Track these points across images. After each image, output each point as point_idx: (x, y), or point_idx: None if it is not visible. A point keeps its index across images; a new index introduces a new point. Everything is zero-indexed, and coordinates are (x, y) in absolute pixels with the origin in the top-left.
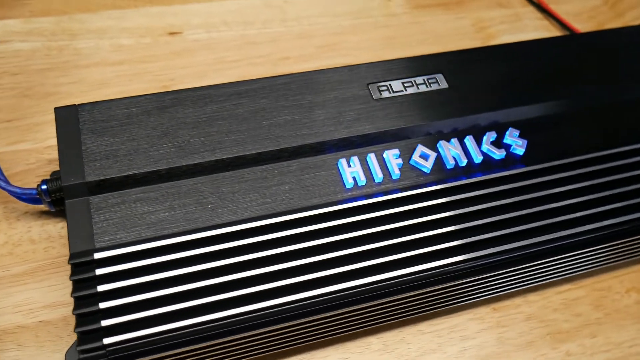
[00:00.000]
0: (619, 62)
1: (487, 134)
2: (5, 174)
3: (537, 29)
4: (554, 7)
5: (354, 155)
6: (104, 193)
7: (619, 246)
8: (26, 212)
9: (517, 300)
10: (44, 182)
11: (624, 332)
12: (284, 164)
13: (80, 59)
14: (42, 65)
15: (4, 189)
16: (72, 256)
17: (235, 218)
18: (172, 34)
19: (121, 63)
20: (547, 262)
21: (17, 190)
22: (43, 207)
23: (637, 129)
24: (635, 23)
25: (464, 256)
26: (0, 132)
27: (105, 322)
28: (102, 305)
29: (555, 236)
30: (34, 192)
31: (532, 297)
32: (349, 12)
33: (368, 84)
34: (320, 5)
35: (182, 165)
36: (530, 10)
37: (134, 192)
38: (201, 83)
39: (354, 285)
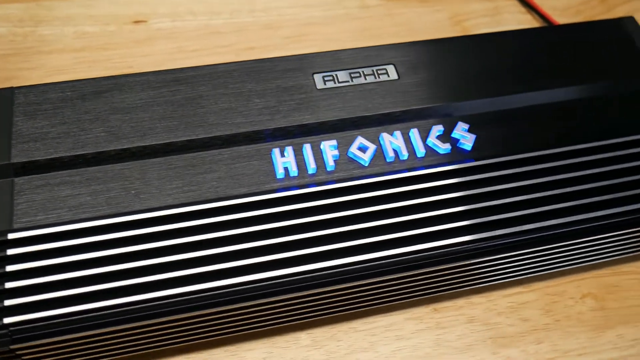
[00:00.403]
0: (586, 57)
1: (434, 127)
2: None
3: (518, 23)
4: (537, 1)
5: (289, 145)
6: (29, 175)
7: (568, 248)
8: None
9: (460, 301)
10: None
11: (572, 340)
12: (215, 152)
13: (43, 45)
14: (5, 50)
15: None
16: None
17: (157, 204)
18: (137, 22)
19: (82, 50)
20: (487, 262)
21: None
22: None
23: (591, 127)
24: None
25: (393, 251)
26: None
27: (8, 302)
28: (8, 285)
29: (498, 234)
30: None
31: (476, 299)
32: (322, 3)
33: (313, 74)
34: None
35: (111, 150)
36: (513, 3)
37: (59, 175)
38: None
39: (275, 275)
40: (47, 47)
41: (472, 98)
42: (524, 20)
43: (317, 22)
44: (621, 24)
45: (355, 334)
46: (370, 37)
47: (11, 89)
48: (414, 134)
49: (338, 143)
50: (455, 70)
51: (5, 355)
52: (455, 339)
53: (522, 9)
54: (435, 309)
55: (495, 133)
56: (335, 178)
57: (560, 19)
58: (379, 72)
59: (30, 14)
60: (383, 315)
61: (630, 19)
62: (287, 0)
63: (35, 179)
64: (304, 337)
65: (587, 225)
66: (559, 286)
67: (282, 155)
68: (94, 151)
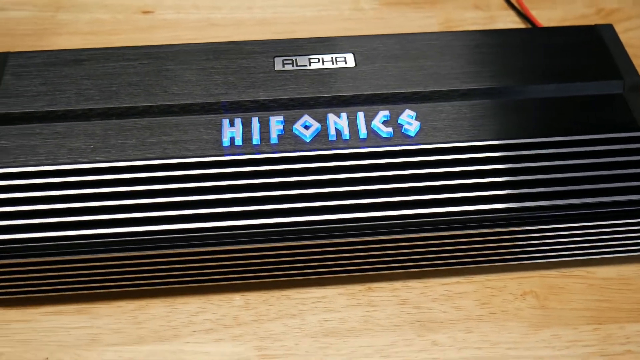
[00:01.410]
0: (557, 58)
1: (380, 112)
2: None
3: None
4: (536, 13)
5: (238, 118)
6: (7, 125)
7: (508, 237)
8: None
9: (397, 284)
10: None
11: (504, 334)
12: (172, 118)
13: (59, 28)
14: (25, 31)
15: None
16: None
17: (110, 158)
18: (145, 12)
19: (91, 34)
20: (420, 240)
21: None
22: None
23: (542, 123)
24: (625, 33)
25: (325, 217)
26: None
27: None
28: None
29: (433, 211)
30: None
31: (413, 283)
32: (317, 4)
33: (275, 57)
34: None
35: (78, 109)
36: (509, 13)
37: (31, 128)
38: None
39: (211, 226)
40: (61, 30)
41: (425, 88)
42: None
43: (308, 21)
44: (599, 30)
45: (287, 300)
46: None
47: (7, 53)
48: (360, 117)
49: (285, 119)
50: (414, 63)
51: None
52: (383, 318)
53: (517, 19)
54: (370, 288)
55: (443, 123)
56: (275, 149)
57: None
58: (337, 59)
59: (53, 1)
60: (317, 287)
61: (609, 26)
62: (285, 0)
63: (11, 129)
64: (237, 298)
65: (532, 214)
66: (501, 281)
67: (231, 125)
68: (64, 109)
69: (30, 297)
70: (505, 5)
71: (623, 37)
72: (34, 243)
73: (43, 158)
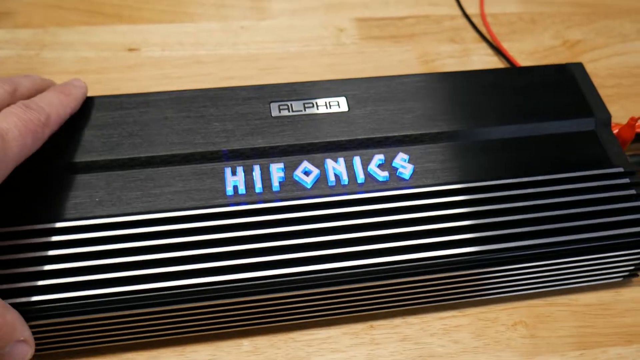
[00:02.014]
0: (531, 97)
1: (375, 156)
2: None
3: (484, 64)
4: (507, 45)
5: (240, 166)
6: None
7: (505, 274)
8: None
9: (397, 320)
10: None
11: None
12: (175, 168)
13: (44, 67)
14: (10, 70)
15: None
16: None
17: (115, 211)
18: (130, 50)
19: (78, 73)
20: (420, 282)
21: None
22: None
23: (524, 164)
24: (590, 64)
25: (329, 265)
26: None
27: None
28: None
29: (430, 255)
30: None
31: (412, 319)
32: (300, 39)
33: (270, 102)
34: (274, 32)
35: (80, 161)
36: (482, 46)
37: (32, 182)
38: None
39: (219, 280)
40: (47, 69)
41: (415, 131)
42: (490, 62)
43: (292, 57)
44: (570, 69)
45: (293, 343)
46: (338, 72)
47: None
48: (357, 161)
49: (285, 166)
50: (403, 105)
51: None
52: (387, 355)
53: (490, 52)
54: (371, 326)
55: (434, 165)
56: (279, 197)
57: (525, 62)
58: (330, 103)
59: (36, 38)
60: (322, 328)
61: (578, 65)
62: (268, 36)
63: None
64: (246, 344)
65: (521, 253)
66: (492, 313)
67: (234, 174)
68: (66, 161)
69: (39, 354)
70: (479, 38)
71: (588, 68)
72: (42, 305)
73: (46, 214)
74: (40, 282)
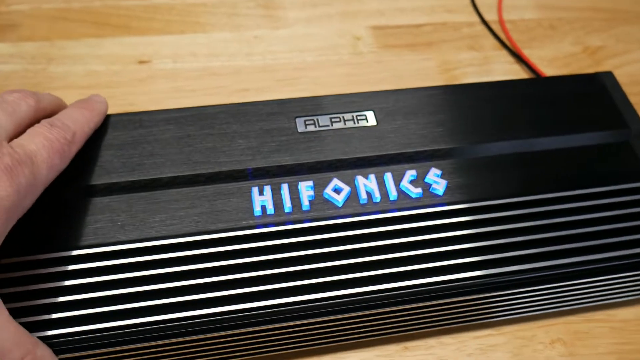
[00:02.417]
0: (563, 109)
1: (407, 172)
2: None
3: (505, 73)
4: (527, 52)
5: (267, 184)
6: None
7: (539, 293)
8: None
9: (431, 341)
10: None
11: None
12: (199, 188)
13: (52, 81)
14: (16, 85)
15: None
16: None
17: (139, 237)
18: (141, 62)
19: (88, 87)
20: (458, 303)
21: None
22: None
23: (560, 176)
24: (612, 71)
25: (363, 289)
26: None
27: None
28: None
29: (467, 276)
30: None
31: (446, 339)
32: (316, 48)
33: (296, 117)
34: (289, 41)
35: (101, 184)
36: (502, 54)
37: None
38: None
39: (249, 307)
40: (56, 84)
41: (446, 145)
42: (512, 70)
43: (309, 67)
44: (600, 78)
45: None
46: (358, 83)
47: None
48: (388, 177)
49: (314, 184)
50: (432, 118)
51: None
52: None
53: (511, 59)
54: (406, 347)
55: (468, 180)
56: (309, 217)
57: (547, 70)
58: (358, 117)
59: (42, 52)
60: (354, 351)
61: (609, 74)
62: (283, 45)
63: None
64: None
65: (558, 272)
66: (529, 330)
67: (261, 194)
68: (85, 184)
69: None
70: (498, 45)
71: None
72: (69, 337)
73: (67, 241)
74: (65, 314)
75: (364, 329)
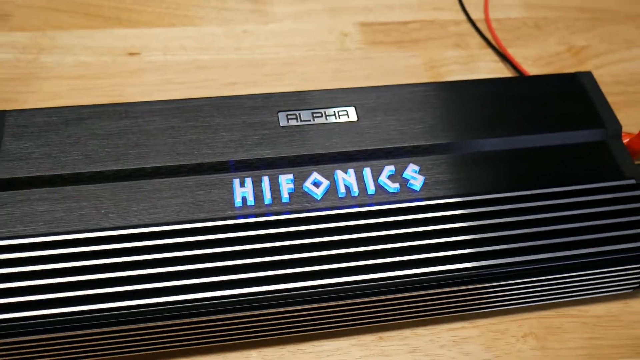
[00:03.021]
0: (542, 108)
1: (386, 167)
2: None
3: (490, 71)
4: (512, 51)
5: (249, 177)
6: (11, 190)
7: (514, 287)
8: None
9: (406, 332)
10: None
11: None
12: (181, 179)
13: (43, 71)
14: (8, 75)
15: None
16: None
17: (123, 224)
18: (131, 54)
19: (78, 78)
20: (431, 295)
21: None
22: None
23: (534, 175)
24: (595, 70)
25: (339, 279)
26: None
27: None
28: None
29: (442, 269)
30: None
31: (421, 330)
32: (304, 44)
33: (278, 112)
34: (278, 36)
35: (86, 172)
36: (487, 52)
37: (38, 192)
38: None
39: (226, 294)
40: (46, 74)
41: (426, 142)
42: (496, 69)
43: (297, 62)
44: (579, 78)
45: (302, 355)
46: (344, 79)
47: (3, 112)
48: (367, 172)
49: (294, 177)
50: (413, 115)
51: None
52: None
53: (496, 58)
54: (381, 337)
55: (446, 176)
56: (288, 209)
57: (531, 69)
58: (339, 113)
59: (34, 42)
60: (330, 340)
61: (588, 74)
62: (272, 40)
63: (17, 194)
64: (254, 355)
65: (532, 267)
66: (502, 324)
67: (242, 185)
68: (71, 172)
69: None
70: (484, 44)
71: (595, 74)
72: (48, 319)
73: (53, 226)
74: (50, 296)
75: (340, 319)
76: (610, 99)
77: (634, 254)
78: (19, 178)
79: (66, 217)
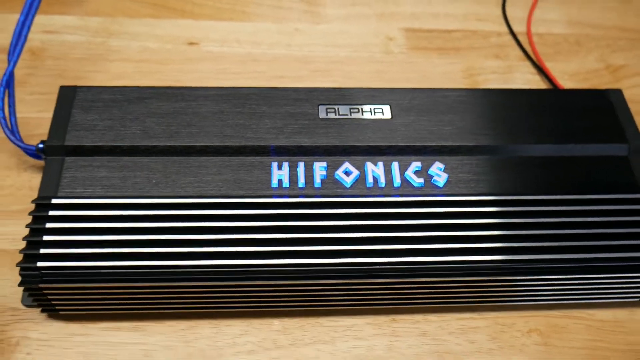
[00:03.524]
0: (570, 120)
1: (413, 163)
2: (29, 134)
3: (526, 82)
4: (550, 65)
5: (286, 161)
6: (76, 156)
7: (525, 283)
8: (32, 165)
9: (418, 317)
10: (41, 142)
11: None
12: (226, 158)
13: (111, 54)
14: (80, 55)
15: (15, 144)
16: (37, 199)
17: (170, 193)
18: (191, 44)
19: (142, 62)
20: (443, 283)
21: (23, 145)
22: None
23: (554, 182)
24: (630, 89)
25: (359, 259)
26: (35, 101)
27: (43, 251)
28: (46, 238)
29: (456, 259)
30: (34, 148)
31: (431, 317)
32: (351, 45)
33: (319, 105)
34: (327, 36)
35: (142, 145)
36: (525, 64)
37: (99, 160)
38: None
39: (258, 263)
40: (114, 56)
41: (453, 142)
42: (532, 81)
43: (342, 61)
44: (609, 95)
45: (320, 327)
46: (385, 79)
47: (75, 87)
48: (394, 166)
49: (328, 165)
50: (443, 117)
51: (37, 296)
52: (406, 347)
53: (533, 70)
54: (394, 319)
55: (468, 176)
56: (319, 193)
57: (567, 83)
58: (375, 110)
59: (105, 27)
60: (347, 317)
61: (618, 91)
62: (320, 39)
63: (81, 160)
64: (276, 323)
65: (538, 266)
66: (510, 319)
67: (279, 169)
68: (129, 144)
69: (91, 313)
70: (523, 56)
71: (629, 93)
72: (100, 270)
73: (110, 190)
74: (97, 250)
75: (357, 298)
76: None
77: (637, 263)
78: (84, 146)
79: (121, 183)
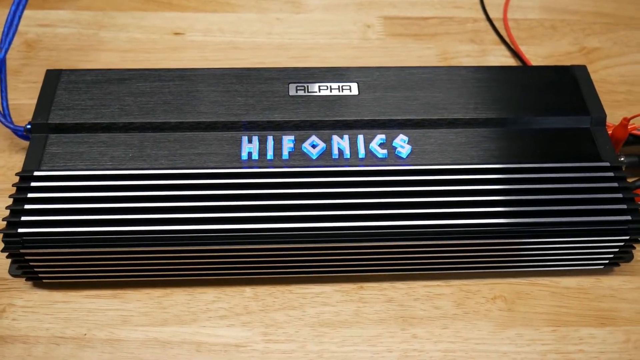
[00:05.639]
0: (533, 94)
1: (377, 136)
2: (22, 119)
3: (499, 64)
4: (524, 49)
5: (256, 135)
6: (59, 133)
7: (483, 249)
8: (23, 148)
9: (385, 284)
10: (29, 123)
11: (475, 331)
12: (199, 133)
13: (100, 45)
14: (72, 46)
15: (5, 125)
16: (21, 172)
17: (145, 166)
18: (176, 34)
19: (129, 51)
20: (409, 247)
21: (12, 127)
22: None
23: (517, 152)
24: (603, 70)
25: (323, 224)
26: (29, 89)
27: (24, 218)
28: (27, 206)
29: (419, 223)
30: (22, 129)
31: (399, 284)
32: (329, 32)
33: (289, 83)
34: (307, 24)
35: (120, 122)
36: (500, 48)
37: (80, 137)
38: None
39: (228, 228)
40: (103, 47)
41: (417, 116)
42: (505, 63)
43: (321, 48)
44: (573, 70)
45: (290, 294)
46: (360, 64)
47: (60, 70)
48: (360, 139)
49: (295, 139)
50: (409, 93)
51: (20, 262)
52: (372, 313)
53: (507, 53)
54: (361, 287)
55: (431, 147)
56: (287, 164)
57: (540, 64)
58: (343, 87)
59: (96, 20)
60: (316, 284)
61: (582, 67)
62: (300, 27)
63: (63, 137)
64: (248, 291)
65: (500, 228)
66: (475, 286)
67: (249, 142)
68: (108, 122)
69: (73, 282)
70: (498, 40)
71: (602, 74)
72: (77, 236)
73: (89, 163)
74: (77, 217)
75: (325, 263)
76: (614, 97)
77: (600, 227)
78: (66, 124)
79: (100, 157)
